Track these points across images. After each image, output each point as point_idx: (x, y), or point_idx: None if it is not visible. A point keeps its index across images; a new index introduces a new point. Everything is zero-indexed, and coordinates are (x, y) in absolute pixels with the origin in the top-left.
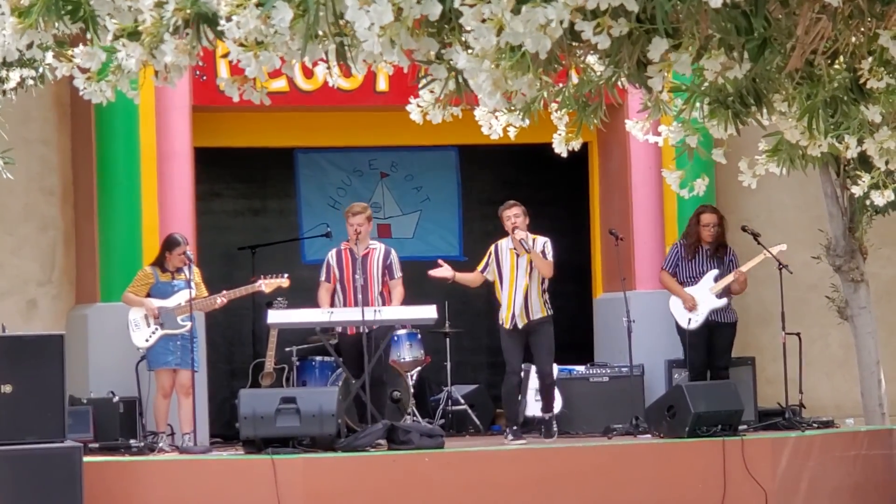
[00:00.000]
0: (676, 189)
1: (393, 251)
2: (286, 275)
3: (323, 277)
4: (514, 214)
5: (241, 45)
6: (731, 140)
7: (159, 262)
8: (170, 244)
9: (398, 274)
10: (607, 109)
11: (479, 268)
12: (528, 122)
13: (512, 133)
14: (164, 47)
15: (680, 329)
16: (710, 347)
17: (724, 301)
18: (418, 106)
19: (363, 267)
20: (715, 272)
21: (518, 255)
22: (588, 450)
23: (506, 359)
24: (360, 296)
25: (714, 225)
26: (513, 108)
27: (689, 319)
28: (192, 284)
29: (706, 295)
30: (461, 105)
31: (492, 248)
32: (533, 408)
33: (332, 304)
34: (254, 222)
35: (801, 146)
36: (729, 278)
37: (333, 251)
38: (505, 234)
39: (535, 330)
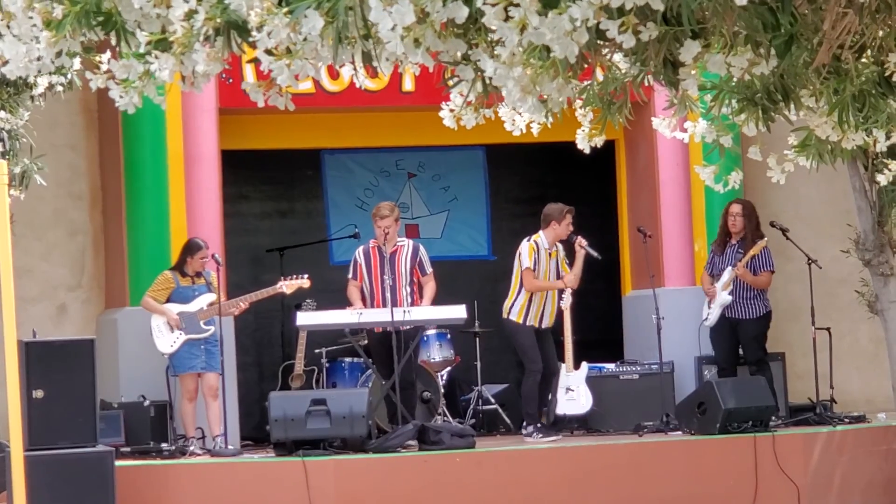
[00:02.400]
0: (711, 184)
1: (421, 247)
2: (307, 275)
3: (350, 275)
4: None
5: (271, 52)
6: (760, 136)
7: (179, 267)
8: (191, 248)
9: (429, 270)
10: (633, 107)
11: (532, 266)
12: (551, 119)
13: (535, 130)
14: (196, 56)
15: None
16: (735, 343)
17: (729, 298)
18: (451, 111)
19: (391, 265)
20: (731, 268)
21: (551, 257)
22: (619, 447)
23: (530, 357)
24: (388, 294)
25: (737, 215)
26: (546, 109)
27: (707, 316)
28: (213, 288)
29: (718, 292)
30: (493, 107)
31: (532, 245)
32: (563, 406)
33: (363, 302)
34: (281, 224)
35: (832, 141)
36: (731, 274)
37: (361, 249)
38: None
39: (547, 330)
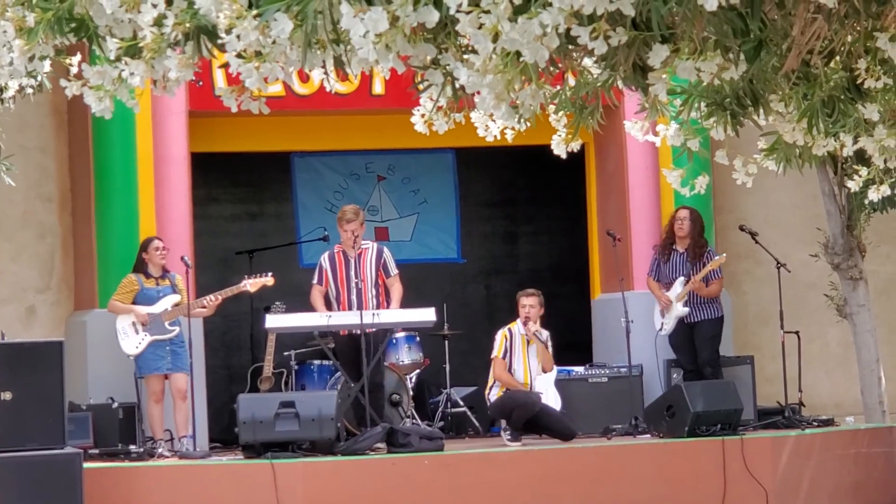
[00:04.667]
0: (678, 188)
1: (385, 249)
2: (270, 273)
3: (315, 280)
4: (530, 304)
5: (240, 56)
6: (729, 140)
7: (141, 269)
8: (143, 245)
9: (394, 271)
10: (604, 111)
11: (500, 355)
12: (525, 125)
13: (509, 135)
14: (168, 62)
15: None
16: (693, 346)
17: (686, 310)
18: (421, 116)
19: (357, 268)
20: (682, 279)
21: (529, 343)
22: (588, 450)
23: None
24: (354, 297)
25: (685, 219)
26: (519, 115)
27: (662, 325)
28: (178, 290)
29: (674, 304)
30: (463, 111)
31: (505, 333)
32: None
33: (327, 307)
34: (251, 227)
35: (800, 146)
36: (688, 287)
37: (326, 254)
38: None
39: None
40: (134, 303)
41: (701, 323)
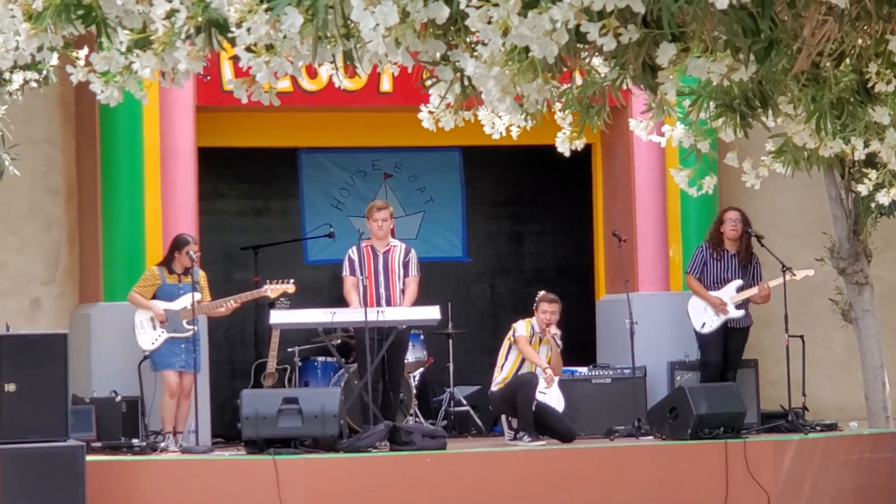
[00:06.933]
0: (685, 188)
1: (413, 250)
2: (292, 280)
3: (347, 272)
4: (551, 311)
5: (251, 49)
6: (738, 142)
7: (167, 263)
8: (179, 244)
9: (413, 272)
10: (611, 111)
11: (528, 336)
12: (530, 122)
13: (514, 133)
14: (178, 55)
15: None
16: (724, 349)
17: (741, 313)
18: (430, 112)
19: (385, 264)
20: (739, 282)
21: (541, 342)
22: (590, 451)
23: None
24: (382, 291)
25: (737, 221)
26: (524, 111)
27: (704, 323)
28: (199, 288)
29: (730, 307)
30: (472, 109)
31: (531, 322)
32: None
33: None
34: (257, 222)
35: (808, 148)
36: (752, 291)
37: (354, 247)
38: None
39: None
40: (154, 297)
41: (737, 331)
